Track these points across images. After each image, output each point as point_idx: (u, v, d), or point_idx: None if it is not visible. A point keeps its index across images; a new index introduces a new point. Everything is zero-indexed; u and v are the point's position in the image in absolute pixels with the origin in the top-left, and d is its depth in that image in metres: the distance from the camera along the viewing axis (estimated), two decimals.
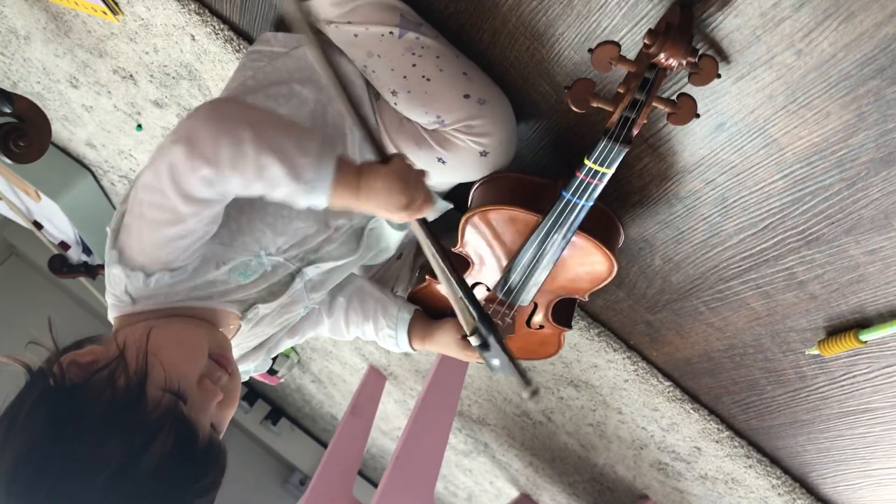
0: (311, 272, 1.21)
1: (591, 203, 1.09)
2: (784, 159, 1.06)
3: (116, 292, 1.03)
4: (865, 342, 1.22)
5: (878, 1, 0.84)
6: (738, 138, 1.07)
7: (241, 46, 1.57)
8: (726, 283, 1.32)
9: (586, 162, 1.03)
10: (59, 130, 2.59)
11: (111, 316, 1.07)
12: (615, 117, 0.97)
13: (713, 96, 1.04)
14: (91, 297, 3.43)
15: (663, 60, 0.90)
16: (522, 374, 1.18)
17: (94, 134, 2.49)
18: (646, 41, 0.90)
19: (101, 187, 2.92)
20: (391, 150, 1.23)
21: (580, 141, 1.24)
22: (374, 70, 1.20)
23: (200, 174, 0.90)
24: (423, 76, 1.16)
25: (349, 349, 2.74)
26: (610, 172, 1.04)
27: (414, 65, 1.17)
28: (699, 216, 1.23)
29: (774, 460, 1.70)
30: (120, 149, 2.45)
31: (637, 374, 1.68)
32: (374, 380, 2.74)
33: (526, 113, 1.25)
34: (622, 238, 1.30)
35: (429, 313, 1.46)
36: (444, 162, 1.20)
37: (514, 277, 1.28)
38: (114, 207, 3.05)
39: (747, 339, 1.41)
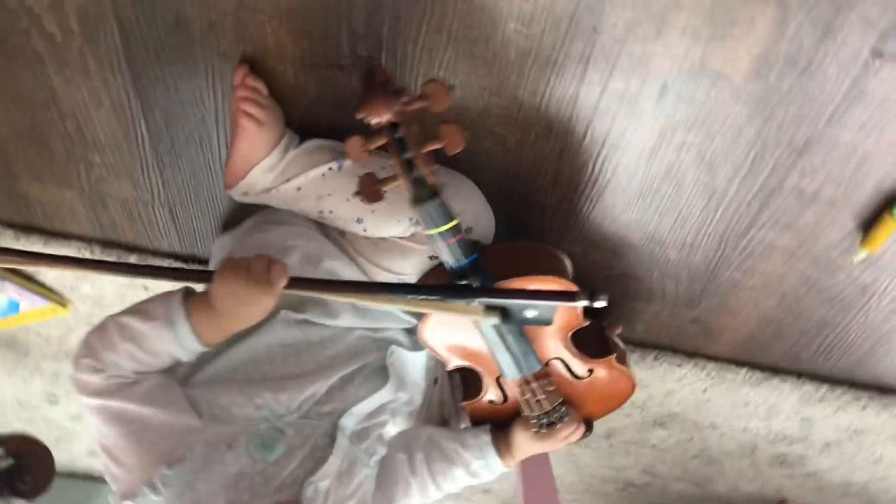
0: (348, 422, 1.14)
1: (472, 257, 1.06)
2: (736, 87, 1.06)
3: None
4: None
5: None
6: (684, 90, 1.08)
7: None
8: (746, 235, 1.29)
9: (430, 232, 1.02)
10: (57, 454, 2.50)
11: None
12: (407, 184, 0.99)
13: (641, 63, 1.05)
14: None
15: (382, 120, 0.92)
16: (561, 294, 1.07)
17: (92, 441, 2.40)
18: (359, 117, 0.93)
19: None
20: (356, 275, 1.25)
21: None
22: (330, 210, 1.19)
23: (83, 365, 1.00)
24: None
25: None
26: (453, 223, 1.02)
27: None
28: (688, 185, 1.22)
29: (882, 389, 1.62)
30: None
31: (711, 378, 1.61)
32: None
33: None
34: (554, 251, 1.25)
35: (497, 426, 1.39)
36: (436, 258, 1.18)
37: (503, 354, 1.23)
38: None
39: (793, 280, 1.37)
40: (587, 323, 1.23)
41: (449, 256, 1.04)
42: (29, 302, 1.67)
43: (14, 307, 1.69)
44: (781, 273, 1.36)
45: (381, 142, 0.96)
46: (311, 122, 1.23)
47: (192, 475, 0.97)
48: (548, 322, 1.06)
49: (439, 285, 1.10)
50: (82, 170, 1.38)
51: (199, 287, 1.03)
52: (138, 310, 1.02)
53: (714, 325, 1.51)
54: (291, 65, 1.16)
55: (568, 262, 1.22)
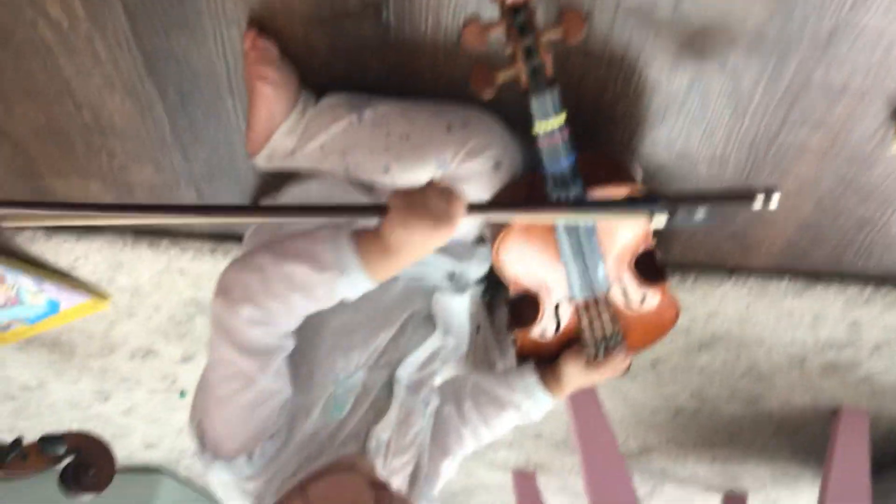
0: (404, 372, 1.16)
1: (571, 159, 1.05)
2: None
3: (234, 498, 1.01)
4: None
5: None
6: None
7: (229, 249, 1.56)
8: (776, 140, 1.27)
9: (537, 130, 1.01)
10: (115, 450, 2.55)
11: None
12: (524, 75, 0.95)
13: None
14: None
15: None
16: (738, 194, 0.98)
17: (146, 433, 2.45)
18: None
19: (181, 480, 2.86)
20: None
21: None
22: (356, 163, 1.19)
23: (245, 316, 0.92)
24: (401, 136, 1.15)
25: (484, 468, 2.62)
26: (562, 119, 1.00)
27: (388, 133, 1.16)
28: (713, 94, 1.20)
29: None
30: (177, 429, 2.41)
31: (753, 292, 1.60)
32: (526, 482, 2.61)
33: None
34: (632, 163, 1.24)
35: (542, 363, 1.40)
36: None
37: (576, 272, 1.23)
38: (203, 492, 2.98)
39: (829, 182, 1.35)
40: (653, 244, 1.22)
41: (553, 157, 1.03)
42: (69, 300, 1.68)
43: (55, 307, 1.71)
44: (815, 175, 1.34)
45: (501, 27, 0.93)
46: (325, 78, 1.22)
47: (282, 445, 0.99)
48: (713, 223, 1.03)
49: (632, 198, 1.08)
50: (104, 159, 1.38)
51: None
52: (303, 255, 0.94)
53: (751, 237, 1.50)
54: (300, 22, 1.14)
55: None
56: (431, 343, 1.22)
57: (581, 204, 1.08)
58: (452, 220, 0.92)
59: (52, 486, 1.68)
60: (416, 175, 1.17)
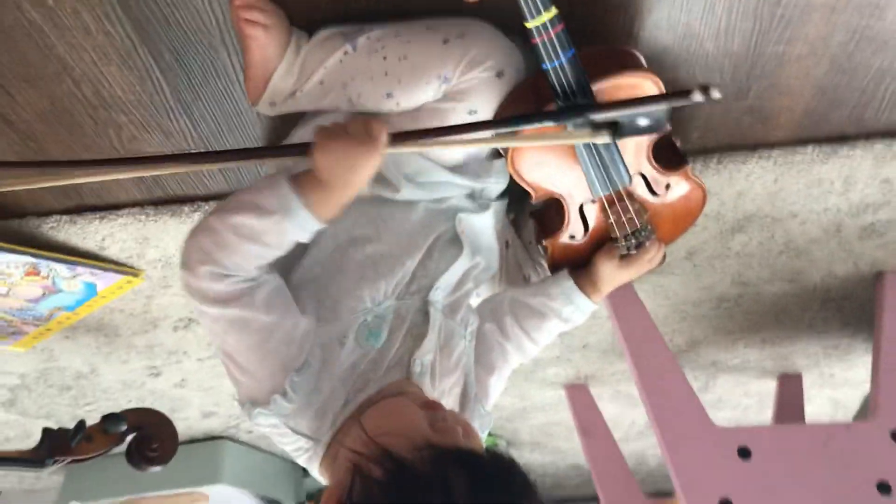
0: (437, 296, 1.17)
1: (571, 52, 1.03)
2: None
3: (291, 441, 1.04)
4: None
5: None
6: None
7: None
8: (779, 2, 1.23)
9: (529, 25, 0.99)
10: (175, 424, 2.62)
11: (316, 472, 1.05)
12: None
13: None
14: None
15: None
16: (676, 94, 0.98)
17: (202, 402, 2.50)
18: None
19: (243, 443, 2.93)
20: None
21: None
22: (359, 94, 1.18)
23: (203, 273, 0.96)
24: (399, 58, 1.14)
25: (536, 387, 2.64)
26: (554, 11, 0.98)
27: (385, 57, 1.15)
28: None
29: None
30: (231, 394, 2.44)
31: (779, 164, 1.57)
32: (579, 394, 2.63)
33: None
34: (636, 52, 1.22)
35: (576, 268, 1.40)
36: (475, 111, 1.16)
37: (594, 169, 1.21)
38: (267, 452, 3.05)
39: (839, 37, 1.31)
40: (668, 128, 1.21)
41: (550, 51, 1.01)
42: (104, 281, 1.71)
43: (92, 290, 1.74)
44: (825, 33, 1.30)
45: None
46: (314, 15, 1.21)
47: (316, 378, 1.00)
48: (661, 128, 1.03)
49: (548, 111, 1.08)
50: (112, 134, 1.39)
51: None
52: (246, 204, 0.98)
53: (769, 109, 1.46)
54: None
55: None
56: (460, 264, 1.23)
57: (504, 123, 1.08)
58: (374, 139, 0.95)
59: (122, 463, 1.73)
60: (419, 95, 1.16)
